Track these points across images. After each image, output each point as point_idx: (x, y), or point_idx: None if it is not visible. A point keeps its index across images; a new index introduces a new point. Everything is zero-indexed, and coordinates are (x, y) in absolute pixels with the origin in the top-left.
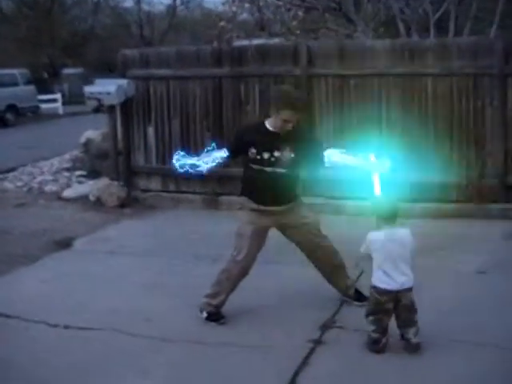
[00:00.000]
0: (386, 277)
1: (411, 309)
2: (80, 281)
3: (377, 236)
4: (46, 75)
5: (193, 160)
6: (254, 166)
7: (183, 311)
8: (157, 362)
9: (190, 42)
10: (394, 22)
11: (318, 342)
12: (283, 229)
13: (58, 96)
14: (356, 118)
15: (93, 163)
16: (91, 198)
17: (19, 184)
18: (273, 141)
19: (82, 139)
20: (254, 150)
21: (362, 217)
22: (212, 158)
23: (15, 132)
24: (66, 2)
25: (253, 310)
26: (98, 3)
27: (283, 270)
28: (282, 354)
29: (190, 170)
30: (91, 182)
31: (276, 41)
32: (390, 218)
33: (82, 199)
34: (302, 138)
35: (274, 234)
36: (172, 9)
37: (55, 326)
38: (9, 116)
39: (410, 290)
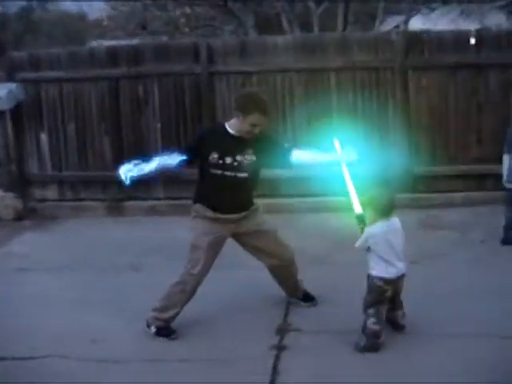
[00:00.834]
0: (390, 267)
1: (401, 292)
2: (5, 305)
3: (376, 229)
4: None
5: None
6: (215, 171)
7: (127, 328)
8: None
9: (47, 44)
10: (278, 18)
11: (280, 348)
12: (239, 236)
13: None
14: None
15: None
16: None
17: None
18: (236, 145)
19: None
20: (215, 155)
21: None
22: (156, 163)
23: None
24: None
25: (201, 320)
26: None
27: (225, 274)
28: (248, 365)
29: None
30: None
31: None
32: (388, 210)
33: None
34: (263, 140)
35: None
36: (26, 11)
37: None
38: None
39: (404, 275)
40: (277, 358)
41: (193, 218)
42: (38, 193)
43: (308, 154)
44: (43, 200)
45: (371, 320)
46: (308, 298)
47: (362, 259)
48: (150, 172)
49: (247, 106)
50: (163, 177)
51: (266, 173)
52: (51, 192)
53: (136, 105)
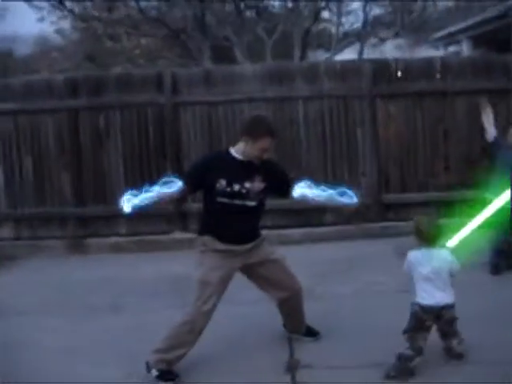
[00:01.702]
0: (425, 294)
1: (452, 322)
2: None
3: (414, 256)
4: None
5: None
6: (222, 200)
7: (128, 376)
8: None
9: None
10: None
11: None
12: (248, 268)
13: None
14: (227, 145)
15: None
16: None
17: None
18: (244, 171)
19: None
20: (223, 182)
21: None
22: (153, 194)
23: None
24: None
25: (201, 363)
26: None
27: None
28: None
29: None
30: None
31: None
32: (430, 238)
33: None
34: (270, 166)
35: None
36: None
37: None
38: None
39: (450, 306)
40: None
41: (200, 252)
42: None
43: (309, 190)
44: None
45: (406, 345)
46: (311, 333)
47: (348, 292)
48: (152, 200)
49: (257, 129)
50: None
51: None
52: (7, 231)
53: (97, 137)
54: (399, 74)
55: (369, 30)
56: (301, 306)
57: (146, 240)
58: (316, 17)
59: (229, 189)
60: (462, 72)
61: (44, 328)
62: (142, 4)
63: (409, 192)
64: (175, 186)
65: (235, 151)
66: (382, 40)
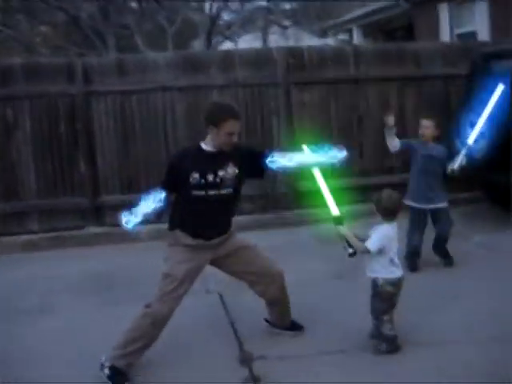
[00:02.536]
0: (395, 267)
1: None
2: None
3: (387, 230)
4: None
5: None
6: (197, 193)
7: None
8: None
9: None
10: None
11: (255, 380)
12: (220, 260)
13: None
14: (141, 135)
15: None
16: None
17: None
18: (215, 160)
19: None
20: (196, 175)
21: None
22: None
23: None
24: None
25: (155, 356)
26: None
27: None
28: None
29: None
30: None
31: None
32: (392, 213)
33: None
34: (240, 150)
35: None
36: None
37: None
38: None
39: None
40: None
41: (169, 245)
42: None
43: (287, 156)
44: None
45: (387, 327)
46: (296, 327)
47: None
48: (148, 217)
49: (217, 115)
50: (36, 208)
51: None
52: None
53: (4, 129)
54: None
55: (272, 18)
56: (285, 293)
57: (61, 236)
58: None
59: (203, 180)
60: (375, 60)
61: None
62: None
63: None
64: (158, 196)
65: (205, 144)
66: (284, 27)
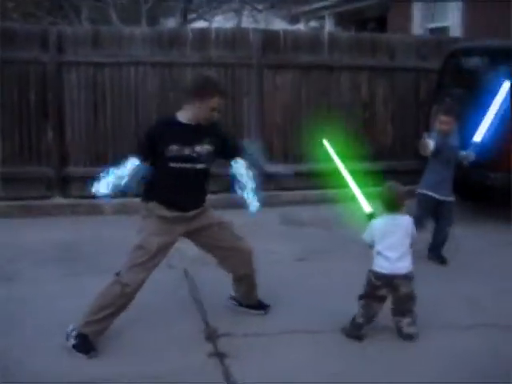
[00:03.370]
0: (384, 261)
1: (409, 299)
2: None
3: (378, 222)
4: None
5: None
6: (173, 165)
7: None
8: None
9: None
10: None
11: (221, 355)
12: (193, 234)
13: None
14: (111, 108)
15: None
16: None
17: None
18: (193, 135)
19: None
20: (174, 147)
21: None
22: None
23: None
24: None
25: (116, 331)
26: None
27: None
28: (197, 378)
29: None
30: None
31: None
32: (391, 205)
33: None
34: (217, 129)
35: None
36: None
37: None
38: None
39: (409, 278)
40: (223, 366)
41: (143, 217)
42: None
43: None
44: None
45: (359, 311)
46: (262, 306)
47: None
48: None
49: (205, 89)
50: (2, 175)
51: None
52: None
53: None
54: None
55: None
56: (253, 270)
57: (26, 205)
58: None
59: (180, 153)
60: (349, 48)
61: None
62: None
63: (291, 163)
64: (133, 163)
65: (182, 116)
66: (259, 11)
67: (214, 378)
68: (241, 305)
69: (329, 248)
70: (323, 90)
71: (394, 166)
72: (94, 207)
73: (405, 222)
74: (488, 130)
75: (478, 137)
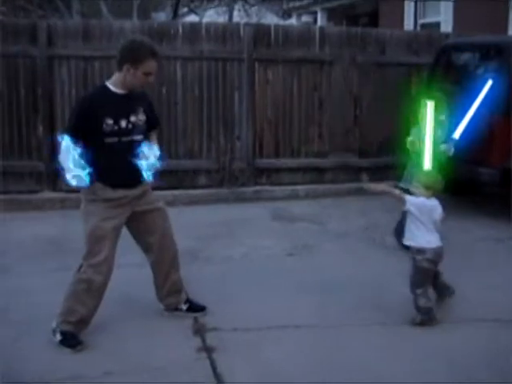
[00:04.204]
0: (434, 238)
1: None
2: None
3: (423, 202)
4: None
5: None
6: (110, 140)
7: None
8: None
9: None
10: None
11: (209, 350)
12: (134, 217)
13: None
14: None
15: None
16: None
17: None
18: (127, 105)
19: None
20: (109, 121)
21: None
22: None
23: None
24: None
25: (103, 326)
26: None
27: None
28: (185, 372)
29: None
30: None
31: None
32: (429, 188)
33: None
34: (147, 98)
35: None
36: None
37: None
38: None
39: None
40: (211, 360)
41: (88, 201)
42: None
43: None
44: None
45: (423, 300)
46: (197, 308)
47: (235, 255)
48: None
49: (139, 53)
50: None
51: None
52: None
53: None
54: None
55: None
56: (173, 271)
57: (15, 199)
58: None
59: (116, 127)
60: (339, 43)
61: None
62: None
63: (282, 157)
64: (72, 146)
65: (113, 85)
66: (251, 5)
67: (202, 373)
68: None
69: (319, 243)
70: (314, 84)
71: (385, 162)
72: None
73: (434, 204)
74: (468, 126)
75: (457, 133)
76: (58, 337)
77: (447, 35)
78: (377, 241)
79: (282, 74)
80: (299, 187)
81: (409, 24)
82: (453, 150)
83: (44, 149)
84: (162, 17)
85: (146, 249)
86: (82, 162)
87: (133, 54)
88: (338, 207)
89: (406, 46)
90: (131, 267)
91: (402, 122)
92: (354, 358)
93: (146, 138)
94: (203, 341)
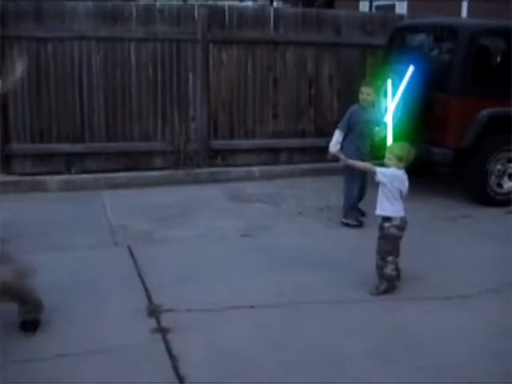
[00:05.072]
0: (397, 206)
1: None
2: None
3: (395, 172)
4: None
5: None
6: None
7: None
8: None
9: None
10: None
11: (163, 331)
12: None
13: None
14: (55, 84)
15: None
16: None
17: None
18: None
19: None
20: None
21: None
22: None
23: None
24: None
25: (59, 310)
26: None
27: (56, 257)
28: (139, 353)
29: None
30: None
31: None
32: (401, 159)
33: None
34: None
35: None
36: None
37: None
38: None
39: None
40: (165, 341)
41: None
42: None
43: None
44: None
45: (389, 268)
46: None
47: (190, 236)
48: None
49: None
50: None
51: None
52: None
53: None
54: None
55: None
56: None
57: None
58: None
59: None
60: (294, 24)
61: None
62: None
63: (237, 138)
64: None
65: None
66: None
67: (156, 353)
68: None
69: (274, 223)
70: (269, 65)
71: None
72: (37, 184)
73: (403, 175)
74: (395, 110)
75: (388, 117)
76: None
77: (401, 17)
78: (332, 220)
79: (236, 55)
80: (254, 168)
81: (364, 6)
82: (385, 131)
83: None
84: None
85: None
86: None
87: None
88: (293, 188)
89: (361, 28)
90: (84, 249)
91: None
92: (309, 337)
93: None
94: (158, 322)
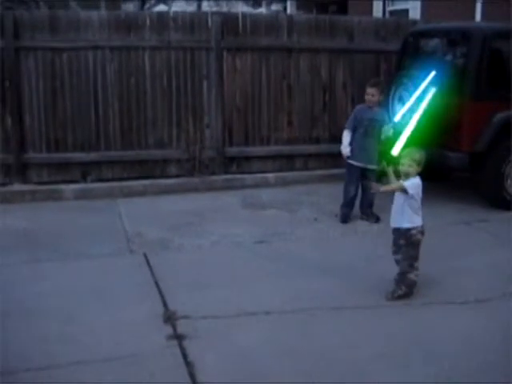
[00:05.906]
0: (420, 214)
1: None
2: None
3: (419, 182)
4: None
5: None
6: None
7: None
8: None
9: None
10: None
11: (179, 338)
12: None
13: None
14: (70, 94)
15: None
16: None
17: None
18: None
19: None
20: None
21: None
22: None
23: None
24: None
25: (72, 317)
26: None
27: (70, 266)
28: (156, 361)
29: None
30: None
31: None
32: (420, 164)
33: None
34: None
35: None
36: None
37: None
38: None
39: None
40: (181, 348)
41: None
42: None
43: None
44: None
45: (415, 273)
46: None
47: (206, 244)
48: None
49: None
50: None
51: None
52: None
53: None
54: None
55: None
56: None
57: None
58: None
59: None
60: (308, 30)
61: None
62: None
63: (252, 145)
64: None
65: None
66: None
67: (172, 360)
68: None
69: (289, 229)
70: (283, 72)
71: None
72: (53, 193)
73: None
74: (408, 112)
75: (397, 116)
76: None
77: (415, 22)
78: (348, 226)
79: (250, 63)
80: (269, 175)
81: (378, 11)
82: (392, 131)
83: (12, 141)
84: (130, 8)
85: None
86: None
87: None
88: (308, 194)
89: (374, 33)
90: (100, 257)
91: None
92: (325, 343)
93: None
94: (174, 329)
